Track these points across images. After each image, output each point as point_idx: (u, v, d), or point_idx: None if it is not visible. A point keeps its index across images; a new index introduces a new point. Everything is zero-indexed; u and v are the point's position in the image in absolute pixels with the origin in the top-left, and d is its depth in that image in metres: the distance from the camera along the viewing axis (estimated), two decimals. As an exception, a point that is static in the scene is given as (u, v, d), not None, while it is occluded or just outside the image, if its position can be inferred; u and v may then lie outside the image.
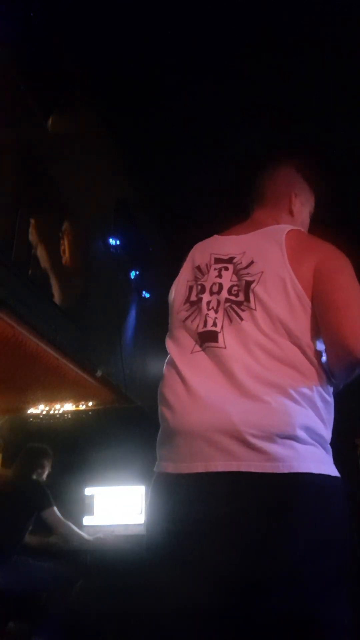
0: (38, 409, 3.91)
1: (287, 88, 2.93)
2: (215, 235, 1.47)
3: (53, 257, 2.78)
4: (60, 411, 3.92)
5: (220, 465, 1.12)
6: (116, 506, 3.77)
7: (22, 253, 2.48)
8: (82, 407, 3.91)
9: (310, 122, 3.08)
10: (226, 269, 1.34)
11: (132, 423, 3.90)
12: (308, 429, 1.15)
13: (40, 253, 2.66)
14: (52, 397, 3.74)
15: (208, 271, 1.36)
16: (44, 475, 3.36)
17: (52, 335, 2.64)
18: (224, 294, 1.30)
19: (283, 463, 1.10)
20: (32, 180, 2.60)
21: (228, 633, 1.11)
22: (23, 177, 2.51)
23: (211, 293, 1.32)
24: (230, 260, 1.35)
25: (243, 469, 1.10)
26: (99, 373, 3.11)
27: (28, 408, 3.92)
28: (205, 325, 1.28)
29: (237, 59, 2.77)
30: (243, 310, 1.26)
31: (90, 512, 3.75)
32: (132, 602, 2.56)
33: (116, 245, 3.46)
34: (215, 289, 1.32)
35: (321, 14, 2.51)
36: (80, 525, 3.52)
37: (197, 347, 1.27)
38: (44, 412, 3.92)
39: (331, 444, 1.22)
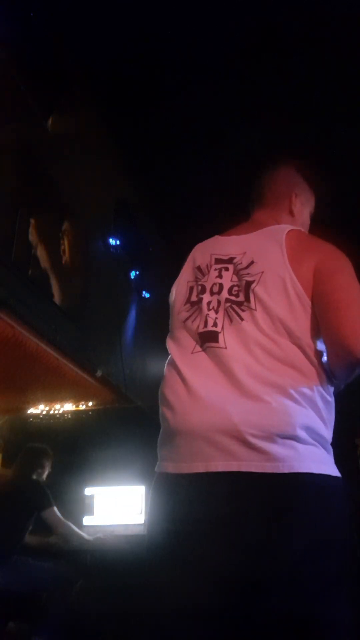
0: (38, 409, 3.91)
1: (287, 88, 2.92)
2: (216, 236, 1.47)
3: (53, 257, 2.78)
4: (60, 411, 3.92)
5: (221, 465, 1.12)
6: (116, 506, 3.77)
7: (22, 253, 2.48)
8: (82, 407, 3.91)
9: (310, 122, 3.08)
10: (226, 269, 1.34)
11: (132, 423, 3.90)
12: (308, 429, 1.15)
13: (40, 253, 2.66)
14: (52, 397, 3.74)
15: (208, 271, 1.37)
16: (44, 475, 3.36)
17: (52, 335, 2.64)
18: (225, 294, 1.30)
19: (283, 463, 1.10)
20: (32, 180, 2.60)
21: (228, 633, 1.11)
22: (23, 177, 2.51)
23: (211, 293, 1.32)
24: (230, 260, 1.35)
25: (243, 469, 1.10)
26: (99, 373, 3.12)
27: (28, 408, 3.92)
28: (205, 325, 1.28)
29: (237, 59, 2.77)
30: (243, 311, 1.26)
31: (90, 512, 3.75)
32: (132, 602, 2.56)
33: (116, 245, 3.46)
34: (216, 289, 1.32)
35: (321, 14, 2.51)
36: (80, 525, 3.52)
37: (198, 348, 1.27)
38: (44, 412, 3.92)
39: (331, 444, 1.22)
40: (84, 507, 3.76)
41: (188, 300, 1.37)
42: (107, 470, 3.86)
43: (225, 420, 1.14)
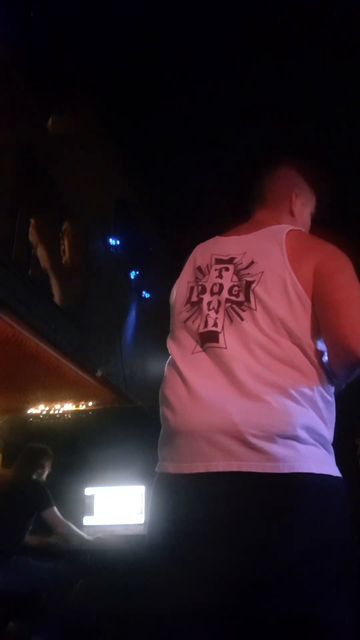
0: (38, 409, 3.91)
1: (287, 88, 2.93)
2: (217, 236, 1.47)
3: (53, 257, 2.78)
4: (60, 411, 3.92)
5: (221, 465, 1.12)
6: (116, 506, 3.77)
7: (22, 253, 2.48)
8: (82, 407, 3.91)
9: (310, 122, 3.08)
10: (227, 269, 1.34)
11: (132, 423, 3.90)
12: (309, 429, 1.15)
13: (40, 253, 2.66)
14: (52, 397, 3.74)
15: (209, 272, 1.37)
16: (44, 476, 3.36)
17: (52, 335, 2.64)
18: (225, 294, 1.30)
19: (283, 463, 1.10)
20: (32, 180, 2.60)
21: (228, 633, 1.11)
22: (23, 177, 2.51)
23: (212, 293, 1.32)
24: (230, 260, 1.35)
25: (244, 469, 1.10)
26: (99, 373, 3.12)
27: (28, 408, 3.92)
28: (206, 325, 1.28)
29: (237, 59, 2.77)
30: (244, 311, 1.26)
31: (90, 512, 3.75)
32: (132, 602, 2.56)
33: (116, 245, 3.47)
34: (216, 289, 1.32)
35: (321, 14, 2.51)
36: (80, 525, 3.52)
37: (198, 348, 1.27)
38: (44, 412, 3.92)
39: (331, 444, 1.22)
40: (84, 507, 3.76)
41: (188, 301, 1.37)
42: (107, 470, 3.86)
43: (226, 420, 1.14)
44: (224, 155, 3.25)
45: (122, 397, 3.58)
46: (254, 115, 3.03)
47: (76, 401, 3.85)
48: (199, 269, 1.40)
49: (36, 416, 4.00)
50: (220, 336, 1.25)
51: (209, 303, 1.31)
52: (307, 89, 2.92)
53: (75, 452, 4.05)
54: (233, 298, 1.29)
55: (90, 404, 3.88)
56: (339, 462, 1.19)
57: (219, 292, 1.31)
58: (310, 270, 1.25)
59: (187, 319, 1.34)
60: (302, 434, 1.13)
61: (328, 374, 1.24)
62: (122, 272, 3.68)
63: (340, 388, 1.30)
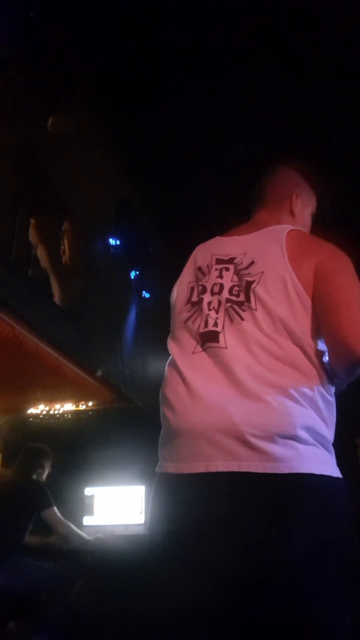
0: (38, 409, 3.91)
1: (287, 88, 2.93)
2: (217, 237, 1.47)
3: (53, 257, 2.78)
4: (60, 411, 3.92)
5: (221, 465, 1.12)
6: (116, 506, 3.77)
7: (22, 253, 2.48)
8: (82, 407, 3.91)
9: (311, 122, 3.08)
10: (227, 269, 1.34)
11: (132, 423, 3.90)
12: (309, 429, 1.14)
13: (40, 253, 2.66)
14: (52, 397, 3.74)
15: (209, 272, 1.37)
16: (44, 476, 3.37)
17: (52, 335, 2.64)
18: (225, 294, 1.30)
19: (283, 463, 1.09)
20: (32, 180, 2.60)
21: (228, 633, 1.11)
22: (23, 177, 2.51)
23: (212, 293, 1.32)
24: (231, 260, 1.35)
25: (243, 469, 1.10)
26: (99, 373, 3.11)
27: (28, 408, 3.92)
28: (206, 325, 1.28)
29: (237, 59, 2.77)
30: (244, 311, 1.26)
31: (90, 512, 3.75)
32: (132, 602, 2.57)
33: (116, 245, 3.47)
34: (216, 289, 1.32)
35: (321, 14, 2.51)
36: (80, 525, 3.52)
37: (198, 348, 1.27)
38: (44, 412, 3.92)
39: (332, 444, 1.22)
40: (84, 507, 3.76)
41: (189, 301, 1.37)
42: (107, 470, 3.86)
43: (226, 420, 1.14)
44: (224, 155, 3.25)
45: (122, 397, 3.58)
46: (254, 115, 3.03)
47: (76, 401, 3.85)
48: (200, 269, 1.40)
49: (36, 416, 4.00)
50: (221, 336, 1.25)
51: (209, 303, 1.31)
52: (307, 89, 2.92)
53: (75, 452, 4.05)
54: (233, 298, 1.29)
55: (90, 404, 3.88)
56: (339, 462, 1.19)
57: (220, 292, 1.31)
58: (310, 270, 1.25)
59: (188, 319, 1.34)
60: (303, 434, 1.13)
61: (328, 374, 1.24)
62: (122, 272, 3.68)
63: (341, 388, 1.30)
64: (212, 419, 1.16)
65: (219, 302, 1.30)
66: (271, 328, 1.22)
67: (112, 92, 3.06)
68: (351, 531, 1.14)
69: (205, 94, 2.99)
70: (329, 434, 1.20)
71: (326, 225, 1.59)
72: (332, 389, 1.26)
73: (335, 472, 1.16)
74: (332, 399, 1.25)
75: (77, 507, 3.71)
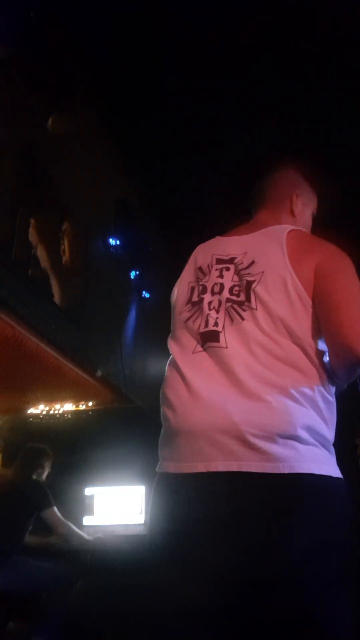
0: (38, 409, 3.91)
1: (287, 88, 2.93)
2: (217, 236, 1.47)
3: (53, 257, 2.78)
4: (60, 411, 3.92)
5: (221, 465, 1.12)
6: (116, 506, 3.77)
7: (22, 253, 2.48)
8: (82, 407, 3.91)
9: (311, 122, 3.08)
10: (227, 269, 1.34)
11: (132, 423, 3.90)
12: (309, 429, 1.14)
13: (40, 253, 2.66)
14: (52, 397, 3.74)
15: (209, 272, 1.37)
16: (44, 476, 3.37)
17: (52, 335, 2.64)
18: (225, 294, 1.30)
19: (284, 463, 1.09)
20: (32, 180, 2.60)
21: (228, 633, 1.11)
22: (23, 177, 2.51)
23: (212, 293, 1.32)
24: (231, 260, 1.35)
25: (243, 469, 1.10)
26: (99, 373, 3.11)
27: (28, 408, 3.92)
28: (206, 325, 1.28)
29: (237, 59, 2.77)
30: (244, 310, 1.26)
31: (90, 512, 3.75)
32: (132, 602, 2.57)
33: (116, 245, 3.47)
34: (217, 289, 1.32)
35: (321, 14, 2.51)
36: (80, 525, 3.52)
37: (199, 347, 1.28)
38: (44, 412, 3.92)
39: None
40: (84, 507, 3.76)
41: (189, 301, 1.37)
42: (107, 470, 3.86)
43: (226, 420, 1.14)
44: (224, 155, 3.25)
45: (122, 397, 3.58)
46: (254, 115, 3.03)
47: (76, 401, 3.85)
48: (200, 269, 1.40)
49: (36, 416, 4.00)
50: (221, 336, 1.25)
51: (209, 303, 1.31)
52: (307, 89, 2.92)
53: (75, 452, 4.05)
54: (234, 298, 1.29)
55: (90, 404, 3.88)
56: (339, 462, 1.19)
57: (220, 292, 1.31)
58: (311, 270, 1.25)
59: (188, 319, 1.34)
60: (303, 434, 1.13)
61: (329, 373, 1.24)
62: (122, 272, 3.68)
63: (342, 388, 1.30)
64: (212, 419, 1.16)
65: (220, 302, 1.30)
66: (272, 328, 1.22)
67: (112, 92, 3.06)
68: (351, 531, 1.14)
69: (205, 94, 2.99)
70: (330, 434, 1.20)
71: (326, 225, 1.59)
72: (333, 389, 1.26)
73: (336, 472, 1.16)
74: (333, 399, 1.25)
75: (77, 507, 3.71)
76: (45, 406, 3.88)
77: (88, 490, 3.82)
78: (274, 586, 1.07)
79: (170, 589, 1.14)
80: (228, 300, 1.29)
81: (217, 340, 1.25)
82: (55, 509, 3.14)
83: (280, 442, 1.11)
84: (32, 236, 2.59)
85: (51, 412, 3.92)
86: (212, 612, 1.10)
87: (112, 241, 3.46)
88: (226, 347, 1.23)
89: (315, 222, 1.57)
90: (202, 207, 3.51)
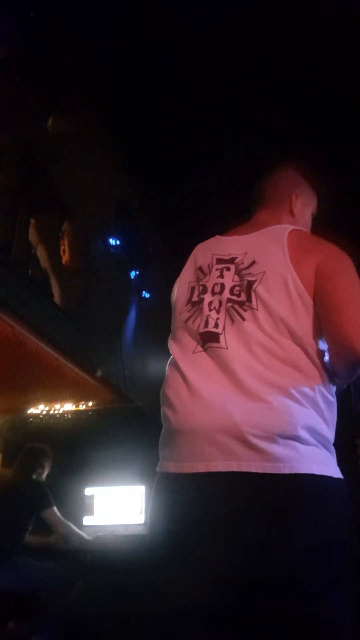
0: (38, 409, 3.91)
1: (287, 88, 2.92)
2: (217, 236, 1.47)
3: (53, 257, 2.78)
4: (60, 411, 3.92)
5: (221, 465, 1.12)
6: (116, 506, 3.77)
7: (22, 253, 2.48)
8: (82, 407, 3.91)
9: (311, 122, 3.08)
10: (228, 269, 1.34)
11: (132, 423, 3.90)
12: (310, 429, 1.14)
13: (40, 253, 2.66)
14: (52, 397, 3.73)
15: (210, 271, 1.37)
16: (44, 476, 3.37)
17: (52, 335, 2.64)
18: (226, 294, 1.30)
19: (284, 464, 1.09)
20: (32, 180, 2.60)
21: (228, 633, 1.11)
22: (23, 177, 2.51)
23: (213, 293, 1.32)
24: (231, 260, 1.35)
25: (244, 469, 1.10)
26: (99, 373, 3.11)
27: (28, 408, 3.92)
28: (206, 325, 1.28)
29: (237, 59, 2.77)
30: (245, 310, 1.26)
31: (90, 512, 3.75)
32: (132, 602, 2.57)
33: (116, 245, 3.47)
34: (217, 289, 1.32)
35: (321, 14, 2.51)
36: (80, 525, 3.52)
37: (199, 348, 1.27)
38: (44, 412, 3.92)
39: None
40: (84, 507, 3.76)
41: (189, 301, 1.37)
42: (107, 470, 3.86)
43: (227, 420, 1.14)
44: (224, 155, 3.25)
45: (122, 397, 3.58)
46: (254, 115, 3.03)
47: (76, 401, 3.85)
48: (200, 268, 1.40)
49: (36, 416, 4.00)
50: (221, 336, 1.25)
51: (210, 303, 1.31)
52: (307, 89, 2.92)
53: (75, 452, 4.05)
54: (234, 298, 1.28)
55: (90, 404, 3.88)
56: (339, 462, 1.19)
57: (220, 292, 1.31)
58: (311, 270, 1.25)
59: (188, 319, 1.34)
60: (303, 434, 1.13)
61: (329, 373, 1.24)
62: (122, 272, 3.68)
63: (342, 388, 1.30)
64: (212, 419, 1.16)
65: (220, 302, 1.30)
66: (272, 328, 1.22)
67: (112, 92, 3.05)
68: (351, 531, 1.14)
69: (205, 94, 2.99)
70: (330, 434, 1.20)
71: (326, 225, 1.59)
72: (333, 389, 1.26)
73: (336, 473, 1.16)
74: (333, 399, 1.25)
75: (77, 507, 3.71)
76: (45, 406, 3.88)
77: (88, 490, 3.82)
78: (274, 586, 1.07)
79: (170, 589, 1.14)
80: (229, 300, 1.29)
81: (217, 341, 1.25)
82: (55, 509, 3.14)
83: (280, 442, 1.11)
84: (32, 236, 2.59)
85: (51, 412, 3.92)
86: (212, 612, 1.10)
87: (112, 241, 3.46)
88: (226, 348, 1.23)
89: (315, 222, 1.57)
90: (202, 207, 3.51)
